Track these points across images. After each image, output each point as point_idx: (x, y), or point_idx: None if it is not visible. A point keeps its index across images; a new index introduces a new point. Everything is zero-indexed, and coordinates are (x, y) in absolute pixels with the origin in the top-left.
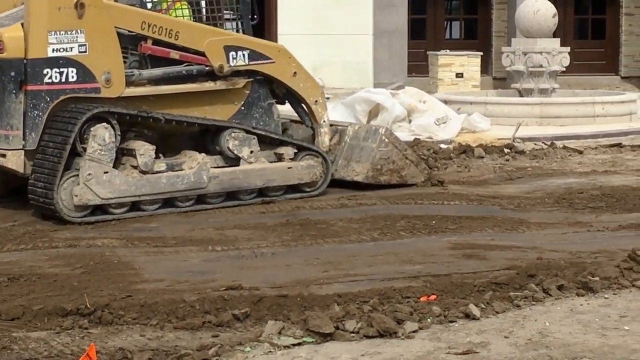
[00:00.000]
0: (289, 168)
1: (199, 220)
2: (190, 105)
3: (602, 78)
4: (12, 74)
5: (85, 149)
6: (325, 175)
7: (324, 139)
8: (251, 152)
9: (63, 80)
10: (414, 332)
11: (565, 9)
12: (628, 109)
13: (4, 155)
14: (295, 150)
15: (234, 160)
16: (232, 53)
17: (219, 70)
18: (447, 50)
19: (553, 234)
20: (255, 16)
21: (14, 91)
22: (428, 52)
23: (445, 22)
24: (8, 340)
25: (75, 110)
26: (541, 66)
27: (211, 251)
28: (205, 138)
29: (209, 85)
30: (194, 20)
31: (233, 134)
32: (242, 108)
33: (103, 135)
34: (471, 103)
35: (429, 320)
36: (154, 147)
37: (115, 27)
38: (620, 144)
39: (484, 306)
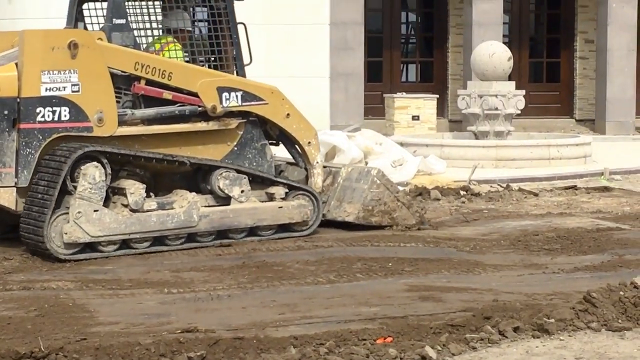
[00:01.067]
0: (279, 207)
1: (155, 262)
2: (182, 145)
3: (557, 121)
4: (6, 112)
5: (75, 187)
6: (316, 214)
7: (317, 180)
8: (242, 191)
9: (56, 119)
10: None
11: (520, 53)
12: (583, 152)
13: None
14: (287, 190)
15: (225, 200)
16: (225, 94)
17: (211, 110)
18: (404, 93)
19: (509, 275)
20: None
21: (7, 129)
22: (384, 95)
23: (402, 65)
24: None
25: (66, 149)
26: (496, 109)
27: (167, 293)
28: (197, 177)
29: (201, 126)
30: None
31: (224, 174)
32: (235, 148)
33: (93, 174)
34: (427, 145)
35: None
36: (145, 186)
37: (109, 67)
38: (575, 186)
39: (440, 348)
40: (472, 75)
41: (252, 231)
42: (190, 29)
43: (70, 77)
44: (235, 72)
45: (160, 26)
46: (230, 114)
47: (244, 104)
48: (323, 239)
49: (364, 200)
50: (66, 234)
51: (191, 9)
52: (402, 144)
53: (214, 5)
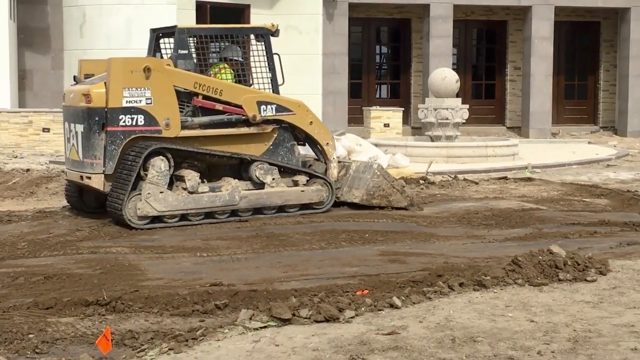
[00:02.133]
0: (302, 191)
1: (190, 233)
2: (230, 144)
3: (492, 128)
4: (97, 118)
5: (147, 175)
6: (330, 197)
7: (333, 172)
8: (273, 179)
9: (134, 124)
10: (351, 317)
11: (465, 76)
12: (512, 151)
13: (89, 178)
14: (308, 178)
15: (260, 185)
16: (263, 106)
17: (252, 119)
18: (377, 107)
19: (456, 244)
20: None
21: (98, 131)
22: (363, 108)
23: (376, 86)
24: (44, 324)
25: (141, 146)
26: (447, 119)
27: (199, 257)
28: (240, 168)
29: (244, 130)
30: (238, 81)
31: (259, 166)
32: (271, 147)
33: (160, 165)
34: (395, 146)
35: (363, 309)
36: (199, 174)
37: (174, 85)
38: (506, 177)
39: (404, 298)
40: (429, 93)
41: (281, 209)
42: (239, 58)
43: (145, 93)
44: (271, 90)
45: (218, 56)
46: (267, 122)
47: (277, 114)
48: (317, 216)
49: (367, 187)
50: (139, 209)
51: (241, 44)
52: (376, 145)
53: (257, 41)
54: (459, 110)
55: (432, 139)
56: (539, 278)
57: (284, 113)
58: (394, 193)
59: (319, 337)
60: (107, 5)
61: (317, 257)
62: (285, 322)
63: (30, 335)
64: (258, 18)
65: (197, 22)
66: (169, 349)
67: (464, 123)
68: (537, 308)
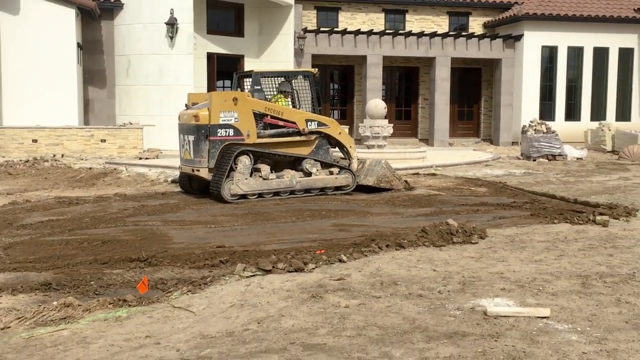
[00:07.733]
0: (335, 178)
1: (203, 210)
2: (288, 147)
3: (409, 140)
4: (203, 131)
5: (236, 167)
6: (353, 182)
7: (354, 165)
8: (317, 170)
9: (227, 135)
10: (313, 269)
11: (390, 104)
12: (422, 155)
13: (198, 170)
14: (338, 170)
15: (309, 174)
16: (309, 122)
17: (302, 131)
18: None
19: (384, 219)
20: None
21: (203, 140)
22: None
23: (330, 111)
24: (101, 274)
25: (232, 149)
26: (378, 133)
27: (209, 227)
28: (295, 163)
29: (297, 138)
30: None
31: (308, 161)
32: (314, 149)
33: (245, 161)
34: None
35: (320, 263)
36: (269, 167)
37: (252, 109)
38: (418, 173)
39: (348, 255)
40: (366, 116)
41: (322, 190)
42: (290, 90)
43: (234, 114)
44: (313, 112)
45: (276, 89)
46: (311, 132)
47: (318, 127)
48: (290, 200)
49: (377, 176)
50: (231, 190)
51: (292, 80)
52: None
53: (303, 78)
54: (386, 127)
55: (369, 147)
56: (439, 241)
57: (322, 127)
58: (394, 180)
59: (290, 282)
60: (145, 55)
61: (289, 228)
62: (267, 272)
63: (92, 282)
64: (250, 64)
65: (208, 68)
66: (188, 291)
67: (389, 136)
68: (438, 262)
